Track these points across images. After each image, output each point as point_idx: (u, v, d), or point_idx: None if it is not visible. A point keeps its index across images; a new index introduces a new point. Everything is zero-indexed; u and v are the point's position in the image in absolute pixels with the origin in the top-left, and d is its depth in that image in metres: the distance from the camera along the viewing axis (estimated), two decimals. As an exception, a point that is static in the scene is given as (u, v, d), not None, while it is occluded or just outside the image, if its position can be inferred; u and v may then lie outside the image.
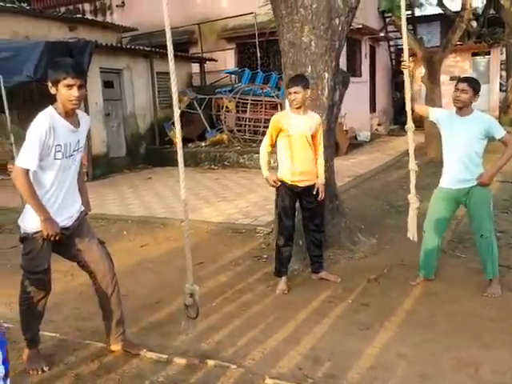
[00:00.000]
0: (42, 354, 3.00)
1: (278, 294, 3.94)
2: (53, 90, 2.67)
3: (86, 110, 9.43)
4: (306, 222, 4.17)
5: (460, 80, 3.76)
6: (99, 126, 10.25)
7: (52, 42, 8.85)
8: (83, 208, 3.01)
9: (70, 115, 2.73)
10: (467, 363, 2.84)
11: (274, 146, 4.05)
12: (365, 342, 3.12)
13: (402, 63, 3.86)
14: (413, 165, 3.89)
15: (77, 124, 2.79)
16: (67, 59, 2.74)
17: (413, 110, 4.01)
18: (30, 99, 8.86)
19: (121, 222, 6.47)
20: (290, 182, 3.97)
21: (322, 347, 3.08)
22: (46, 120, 2.63)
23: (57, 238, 2.71)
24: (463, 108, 3.70)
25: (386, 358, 2.94)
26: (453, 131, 3.75)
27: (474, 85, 3.67)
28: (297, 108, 3.91)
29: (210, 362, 2.90)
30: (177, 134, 2.92)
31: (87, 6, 15.98)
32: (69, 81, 2.61)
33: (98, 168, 10.04)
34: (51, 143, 2.63)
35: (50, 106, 2.72)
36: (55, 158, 2.68)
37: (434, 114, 3.97)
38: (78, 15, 13.67)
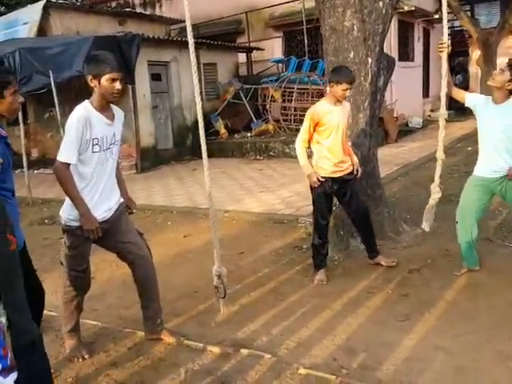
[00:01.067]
0: (84, 342, 3.12)
1: (317, 284, 3.90)
2: (93, 83, 2.72)
3: (134, 103, 9.70)
4: (347, 207, 4.11)
5: (508, 62, 3.57)
6: (147, 118, 10.49)
7: (101, 36, 9.12)
8: (122, 200, 3.06)
9: (105, 109, 2.80)
10: (507, 356, 2.72)
11: (311, 140, 3.98)
12: (402, 334, 3.05)
13: (439, 45, 3.65)
14: (440, 154, 3.74)
15: (112, 117, 2.85)
16: (107, 53, 2.79)
17: (451, 96, 3.82)
18: (80, 93, 9.19)
19: (166, 212, 6.62)
20: (329, 175, 3.93)
21: (358, 338, 3.03)
22: (82, 114, 2.70)
23: (98, 234, 2.77)
24: (496, 92, 3.54)
25: (423, 349, 2.86)
26: (488, 118, 3.61)
27: None
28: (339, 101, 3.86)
29: (244, 351, 2.93)
30: (200, 137, 2.98)
31: (137, 0, 16.35)
32: (113, 75, 2.68)
33: (146, 160, 10.30)
34: (89, 137, 2.71)
35: (86, 101, 2.79)
36: (93, 152, 2.75)
37: (470, 99, 3.79)
38: (127, 9, 14.00)
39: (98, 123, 2.75)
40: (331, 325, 3.21)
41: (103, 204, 2.87)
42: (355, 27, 4.47)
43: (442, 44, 3.64)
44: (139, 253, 3.01)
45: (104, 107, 2.79)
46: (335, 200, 4.27)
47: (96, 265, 3.34)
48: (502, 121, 3.52)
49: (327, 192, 3.99)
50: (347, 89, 3.76)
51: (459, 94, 3.86)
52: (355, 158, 4.12)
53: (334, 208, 4.42)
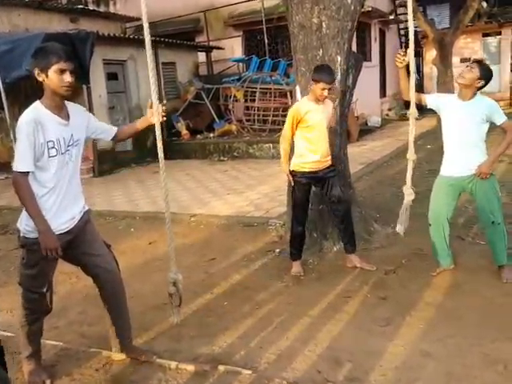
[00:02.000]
0: (44, 365, 2.84)
1: (292, 290, 3.76)
2: (41, 77, 2.46)
3: (90, 104, 9.26)
4: (329, 199, 4.09)
5: (473, 60, 3.59)
6: (103, 119, 9.89)
7: (52, 33, 8.65)
8: (87, 207, 2.80)
9: (58, 107, 2.53)
10: (496, 359, 2.67)
11: (293, 137, 3.97)
12: (386, 340, 2.95)
13: (397, 57, 3.55)
14: (411, 154, 3.64)
15: (66, 117, 2.58)
16: (55, 44, 2.54)
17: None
18: (32, 94, 8.70)
19: (128, 218, 6.32)
20: (308, 170, 3.95)
21: (341, 347, 2.90)
22: (31, 117, 2.44)
23: (57, 253, 2.48)
24: (464, 90, 3.53)
25: (410, 356, 2.76)
26: (453, 116, 3.59)
27: (483, 69, 3.49)
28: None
29: (222, 368, 2.74)
30: (157, 137, 2.86)
31: (90, -3, 15.77)
32: (61, 65, 2.43)
33: (104, 163, 9.88)
34: (42, 140, 2.45)
35: (37, 101, 2.52)
36: (50, 156, 2.48)
37: (431, 101, 3.77)
38: (79, 6, 13.45)
39: (50, 124, 2.48)
40: (311, 333, 3.07)
41: (66, 212, 2.60)
42: (324, 24, 4.37)
43: (399, 55, 3.54)
44: (106, 266, 2.76)
45: (57, 105, 2.52)
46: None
47: (54, 277, 3.07)
48: (472, 117, 3.50)
49: (306, 183, 4.01)
50: (324, 88, 3.74)
51: (418, 97, 3.80)
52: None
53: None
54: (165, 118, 2.80)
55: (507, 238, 3.68)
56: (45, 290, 2.63)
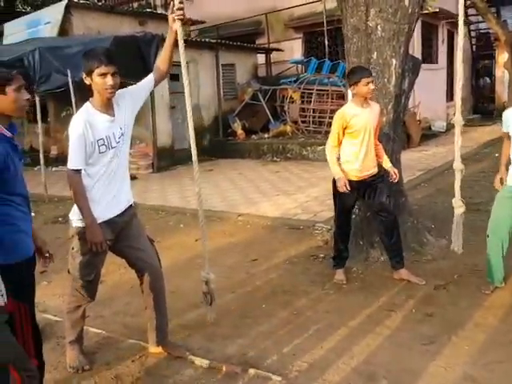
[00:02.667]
0: (85, 351, 2.95)
1: (333, 299, 3.67)
2: (87, 81, 2.60)
3: (152, 102, 9.56)
4: (373, 207, 3.97)
5: None
6: (164, 118, 10.37)
7: (120, 36, 9.02)
8: (133, 201, 2.90)
9: (106, 106, 2.65)
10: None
11: (340, 144, 3.85)
12: (427, 359, 2.79)
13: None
14: (457, 164, 3.39)
15: (113, 112, 2.68)
16: (98, 48, 2.65)
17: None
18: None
19: (179, 214, 6.44)
20: (355, 179, 3.81)
21: (378, 362, 2.78)
22: (80, 118, 2.59)
23: (102, 247, 2.62)
24: None
25: (451, 379, 2.60)
26: None
27: None
28: (366, 99, 3.75)
29: (252, 372, 2.71)
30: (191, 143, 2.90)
31: (158, 1, 16.29)
32: (102, 69, 2.54)
33: (163, 160, 10.18)
34: (92, 139, 2.58)
35: (87, 102, 2.65)
36: (100, 152, 2.62)
37: (503, 126, 3.62)
38: (148, 10, 13.95)
39: (99, 123, 2.61)
40: (348, 345, 2.97)
41: (113, 204, 2.72)
42: (379, 27, 4.25)
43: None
44: (148, 261, 2.85)
45: (104, 104, 2.64)
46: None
47: (105, 267, 3.20)
48: None
49: (352, 190, 3.84)
50: (368, 82, 3.63)
51: (507, 144, 3.63)
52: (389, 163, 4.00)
53: (353, 216, 4.22)
54: (182, 18, 2.71)
55: None
56: (91, 278, 2.75)
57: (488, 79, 18.34)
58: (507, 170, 3.58)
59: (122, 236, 2.79)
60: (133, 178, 7.23)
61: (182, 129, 11.13)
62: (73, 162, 2.58)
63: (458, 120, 3.38)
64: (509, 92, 11.33)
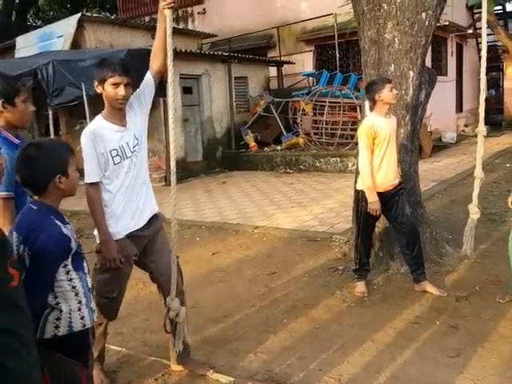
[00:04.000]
0: (106, 370, 2.92)
1: (357, 312, 3.63)
2: (99, 89, 2.57)
3: (165, 115, 9.63)
4: (395, 219, 3.92)
5: None
6: (177, 131, 10.43)
7: (134, 49, 9.13)
8: (157, 210, 2.85)
9: (117, 116, 2.61)
10: None
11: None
12: (454, 372, 2.75)
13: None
14: (479, 172, 3.53)
15: (124, 123, 2.64)
16: (112, 58, 2.65)
17: None
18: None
19: (194, 227, 6.45)
20: (380, 190, 3.78)
21: (406, 377, 2.74)
22: (90, 130, 2.56)
23: (117, 264, 2.56)
24: None
25: (481, 393, 2.56)
26: None
27: None
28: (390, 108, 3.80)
29: (279, 388, 2.68)
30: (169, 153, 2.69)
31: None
32: (115, 79, 2.50)
33: (176, 172, 10.18)
34: (103, 150, 2.54)
35: (99, 114, 2.63)
36: (115, 164, 2.58)
37: None
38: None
39: (110, 134, 2.57)
40: (375, 359, 2.94)
41: (136, 216, 2.67)
42: (396, 39, 4.26)
43: None
44: (170, 278, 2.77)
45: (115, 115, 2.60)
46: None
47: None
48: None
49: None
50: (392, 88, 3.70)
51: None
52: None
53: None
54: (174, 6, 2.63)
55: None
56: (115, 295, 2.71)
57: (492, 91, 18.34)
58: None
59: (146, 250, 2.76)
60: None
61: (194, 141, 11.20)
62: (89, 176, 2.55)
63: (481, 130, 3.42)
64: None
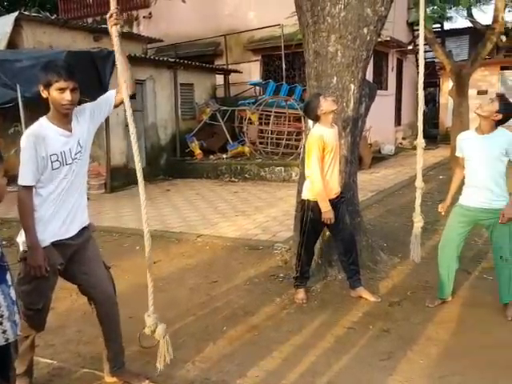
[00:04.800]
0: (36, 384, 2.79)
1: (295, 319, 3.69)
2: (44, 94, 2.49)
3: (107, 120, 9.39)
4: (334, 226, 4.01)
5: (496, 94, 3.58)
6: (119, 136, 10.21)
7: (74, 51, 8.85)
8: (88, 222, 2.78)
9: (63, 121, 2.54)
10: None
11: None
12: (386, 375, 2.86)
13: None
14: (419, 183, 3.74)
15: (70, 127, 2.58)
16: (58, 61, 2.57)
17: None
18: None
19: (135, 236, 6.29)
20: (328, 198, 3.87)
21: (340, 381, 2.82)
22: (33, 131, 2.47)
23: (42, 272, 2.45)
24: (482, 122, 3.50)
25: (410, 394, 2.67)
26: (473, 149, 3.55)
27: (504, 103, 3.44)
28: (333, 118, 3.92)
29: (216, 396, 2.67)
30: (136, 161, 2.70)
31: (114, 17, 16.14)
32: (61, 84, 2.44)
33: (117, 179, 9.95)
34: (44, 154, 2.46)
35: (44, 116, 2.55)
36: (53, 168, 2.50)
37: (457, 150, 3.77)
38: (103, 26, 13.77)
39: (54, 138, 2.49)
40: (311, 364, 3.00)
41: (66, 225, 2.58)
42: (339, 53, 4.39)
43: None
44: (102, 288, 2.73)
45: (61, 119, 2.53)
46: None
47: (55, 293, 3.05)
48: (491, 150, 3.45)
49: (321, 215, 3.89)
50: (333, 100, 3.86)
51: (460, 168, 3.79)
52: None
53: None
54: (120, 23, 2.66)
55: None
56: (40, 306, 2.58)
57: (430, 107, 19.35)
58: (452, 200, 3.80)
59: (74, 260, 2.65)
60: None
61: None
62: (23, 178, 2.45)
63: (420, 143, 3.59)
64: (453, 118, 11.94)
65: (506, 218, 3.41)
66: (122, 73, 2.65)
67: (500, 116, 3.43)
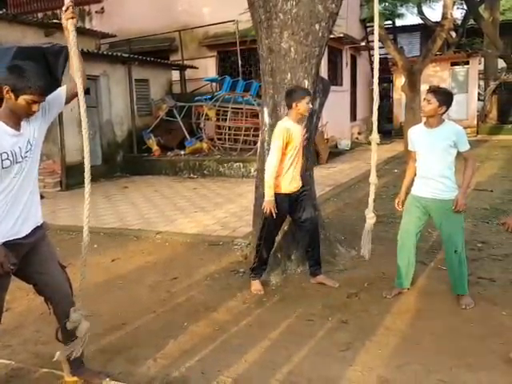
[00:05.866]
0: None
1: (255, 313, 3.74)
2: (7, 95, 2.40)
3: (60, 117, 9.14)
4: (300, 218, 4.15)
5: (428, 90, 3.68)
6: (74, 133, 9.93)
7: (24, 46, 8.53)
8: (42, 221, 2.71)
9: (15, 121, 2.47)
10: (451, 388, 2.68)
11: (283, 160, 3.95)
12: (345, 365, 2.93)
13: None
14: (373, 178, 3.79)
15: (20, 126, 2.50)
16: (34, 68, 2.44)
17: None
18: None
19: (92, 234, 6.04)
20: (289, 192, 3.99)
21: (300, 372, 2.87)
22: None
23: (5, 268, 2.38)
24: (430, 119, 3.63)
25: (367, 382, 2.76)
26: (423, 143, 3.68)
27: (440, 96, 3.58)
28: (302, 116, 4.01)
29: (177, 393, 2.68)
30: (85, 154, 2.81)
31: (65, 12, 15.65)
32: (35, 97, 2.39)
33: (72, 177, 9.70)
34: None
35: None
36: (3, 167, 2.41)
37: (409, 144, 3.91)
38: (55, 20, 13.34)
39: (4, 137, 2.41)
40: (272, 357, 3.04)
41: (18, 224, 2.50)
42: (292, 49, 4.44)
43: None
44: (58, 288, 2.67)
45: (12, 119, 2.45)
46: None
47: (12, 293, 2.98)
48: (440, 143, 3.58)
49: (285, 208, 4.00)
50: (309, 101, 3.92)
51: (413, 161, 3.90)
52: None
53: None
54: (76, 17, 2.62)
55: (467, 266, 3.76)
56: None
57: (385, 101, 19.86)
58: (406, 193, 3.92)
59: (28, 260, 2.59)
60: (39, 196, 6.82)
61: (92, 145, 10.72)
62: None
63: (375, 138, 3.68)
64: (406, 113, 12.31)
65: (459, 204, 3.55)
66: (78, 68, 2.60)
67: (444, 108, 3.57)
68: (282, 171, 3.94)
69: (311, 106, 4.00)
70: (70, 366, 2.79)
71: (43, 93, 2.42)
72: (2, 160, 2.40)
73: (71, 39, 2.59)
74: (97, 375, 2.83)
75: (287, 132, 3.83)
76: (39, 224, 2.67)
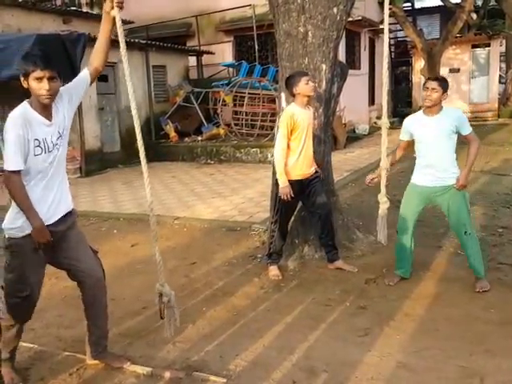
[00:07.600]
0: (17, 368, 2.80)
1: (275, 283, 3.87)
2: (25, 84, 2.47)
3: (79, 104, 9.22)
4: (312, 205, 4.14)
5: (430, 79, 3.68)
6: (93, 120, 10.06)
7: (44, 34, 8.62)
8: (72, 207, 2.76)
9: (44, 109, 2.52)
10: (472, 373, 2.67)
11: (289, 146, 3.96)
12: (363, 350, 2.94)
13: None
14: (384, 163, 3.78)
15: (51, 115, 2.55)
16: (36, 50, 2.54)
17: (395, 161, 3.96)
18: (22, 93, 8.63)
19: (112, 219, 6.28)
20: (299, 178, 3.99)
21: (318, 356, 2.89)
22: (19, 113, 2.44)
23: (49, 244, 2.49)
24: (433, 107, 3.60)
25: (386, 368, 2.76)
26: (426, 133, 3.64)
27: (443, 84, 3.58)
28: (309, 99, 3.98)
29: (196, 375, 2.72)
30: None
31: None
32: (38, 73, 2.42)
33: (92, 163, 9.86)
34: (30, 137, 2.44)
35: (25, 101, 2.52)
36: (35, 154, 2.47)
37: (402, 134, 3.87)
38: (73, 8, 13.39)
39: (36, 124, 2.47)
40: (289, 342, 3.06)
41: (50, 212, 2.56)
42: (310, 33, 4.40)
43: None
44: (91, 273, 2.73)
45: (42, 108, 2.51)
46: None
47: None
48: (442, 130, 3.56)
49: (295, 194, 3.98)
50: (308, 80, 3.87)
51: (401, 151, 3.93)
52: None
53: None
54: (122, 5, 2.67)
55: (479, 247, 3.73)
56: (26, 294, 2.57)
57: (404, 84, 19.55)
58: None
59: (60, 247, 2.65)
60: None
61: (111, 131, 10.84)
62: (10, 163, 2.39)
63: (385, 122, 3.64)
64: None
65: (460, 182, 3.56)
66: (104, 51, 2.77)
67: (446, 95, 3.57)
68: (291, 157, 3.94)
69: (312, 84, 3.94)
70: (93, 350, 2.86)
71: (43, 66, 2.42)
72: (34, 146, 2.46)
73: (119, 29, 2.70)
74: (118, 359, 2.89)
75: (291, 118, 3.83)
76: (70, 210, 2.73)
